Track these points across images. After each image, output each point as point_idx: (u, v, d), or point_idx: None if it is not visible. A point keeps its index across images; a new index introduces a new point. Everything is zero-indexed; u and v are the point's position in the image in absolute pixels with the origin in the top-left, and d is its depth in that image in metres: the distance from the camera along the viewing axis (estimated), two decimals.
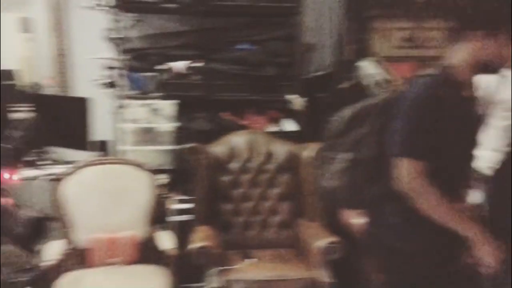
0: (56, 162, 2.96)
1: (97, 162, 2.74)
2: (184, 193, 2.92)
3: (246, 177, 2.85)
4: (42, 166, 2.86)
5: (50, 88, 3.52)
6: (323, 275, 2.43)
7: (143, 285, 2.37)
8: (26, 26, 3.62)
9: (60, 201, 2.56)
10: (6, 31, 3.60)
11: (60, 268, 2.39)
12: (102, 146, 3.10)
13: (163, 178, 2.86)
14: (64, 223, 2.57)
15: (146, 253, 2.61)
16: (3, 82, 3.08)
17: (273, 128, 3.14)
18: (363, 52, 3.20)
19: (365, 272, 2.48)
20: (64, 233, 2.56)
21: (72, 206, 2.57)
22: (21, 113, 2.83)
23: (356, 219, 1.78)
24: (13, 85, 3.11)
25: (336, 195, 1.67)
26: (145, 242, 2.63)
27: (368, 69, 3.08)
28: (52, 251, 2.41)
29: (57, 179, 2.60)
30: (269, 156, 2.89)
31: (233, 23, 3.16)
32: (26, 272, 2.70)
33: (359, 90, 3.05)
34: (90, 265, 2.53)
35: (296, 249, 2.73)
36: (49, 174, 2.81)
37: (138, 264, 2.56)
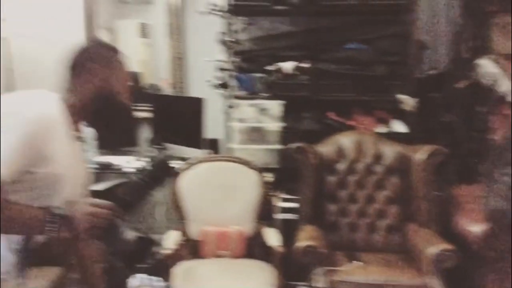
0: (173, 157, 3.16)
1: (209, 159, 2.89)
2: (289, 192, 2.97)
3: (353, 178, 2.81)
4: None
5: (167, 89, 3.75)
6: (435, 283, 2.32)
7: (251, 279, 2.45)
8: (144, 31, 3.90)
9: (177, 194, 2.75)
10: (127, 36, 3.91)
11: (175, 257, 2.55)
12: (212, 144, 3.25)
13: (269, 177, 2.92)
14: (181, 215, 2.75)
15: (253, 248, 2.70)
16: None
17: (381, 129, 3.06)
18: (482, 49, 3.00)
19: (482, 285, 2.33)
20: (180, 225, 2.75)
21: (187, 199, 2.75)
22: (144, 112, 3.06)
23: (475, 227, 1.68)
24: (138, 86, 3.35)
25: (504, 217, 1.52)
26: (253, 238, 2.72)
27: (487, 67, 2.89)
28: (170, 241, 2.58)
29: (174, 174, 2.79)
30: (377, 157, 2.83)
31: (341, 23, 3.14)
32: (145, 259, 2.92)
33: (477, 90, 2.87)
34: (202, 256, 2.68)
35: (405, 254, 2.63)
36: None
37: (245, 258, 2.66)
